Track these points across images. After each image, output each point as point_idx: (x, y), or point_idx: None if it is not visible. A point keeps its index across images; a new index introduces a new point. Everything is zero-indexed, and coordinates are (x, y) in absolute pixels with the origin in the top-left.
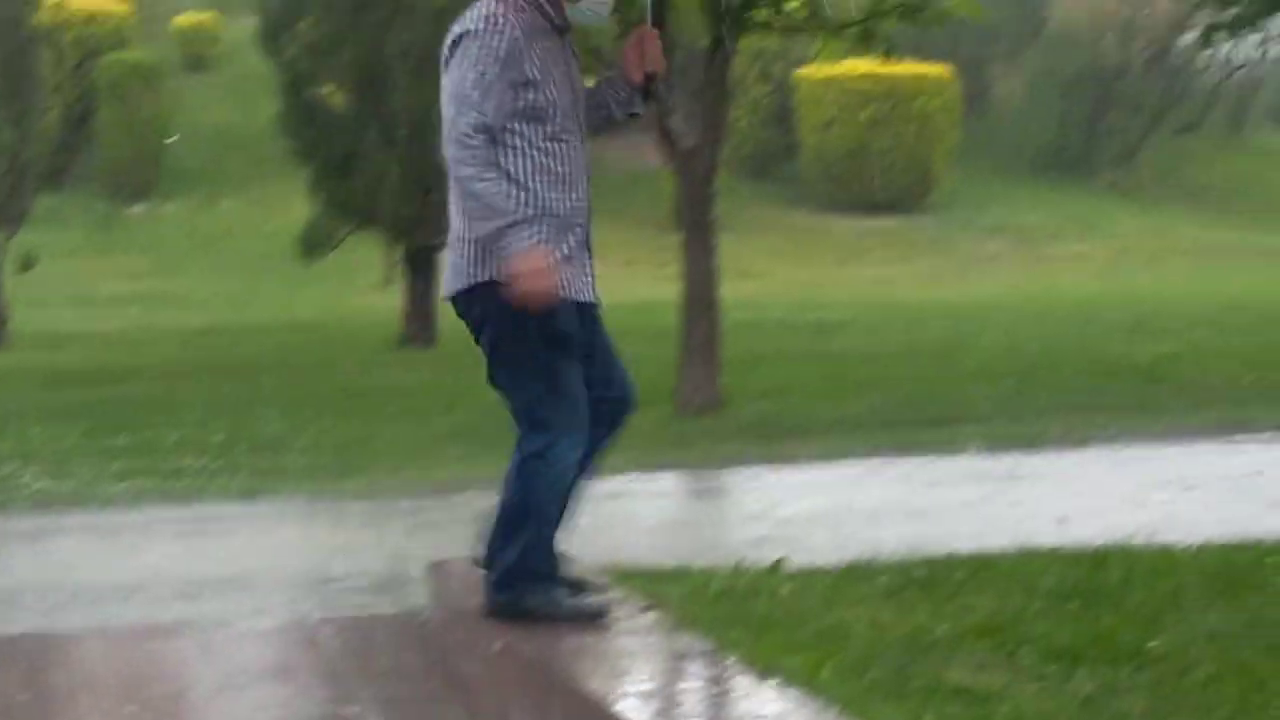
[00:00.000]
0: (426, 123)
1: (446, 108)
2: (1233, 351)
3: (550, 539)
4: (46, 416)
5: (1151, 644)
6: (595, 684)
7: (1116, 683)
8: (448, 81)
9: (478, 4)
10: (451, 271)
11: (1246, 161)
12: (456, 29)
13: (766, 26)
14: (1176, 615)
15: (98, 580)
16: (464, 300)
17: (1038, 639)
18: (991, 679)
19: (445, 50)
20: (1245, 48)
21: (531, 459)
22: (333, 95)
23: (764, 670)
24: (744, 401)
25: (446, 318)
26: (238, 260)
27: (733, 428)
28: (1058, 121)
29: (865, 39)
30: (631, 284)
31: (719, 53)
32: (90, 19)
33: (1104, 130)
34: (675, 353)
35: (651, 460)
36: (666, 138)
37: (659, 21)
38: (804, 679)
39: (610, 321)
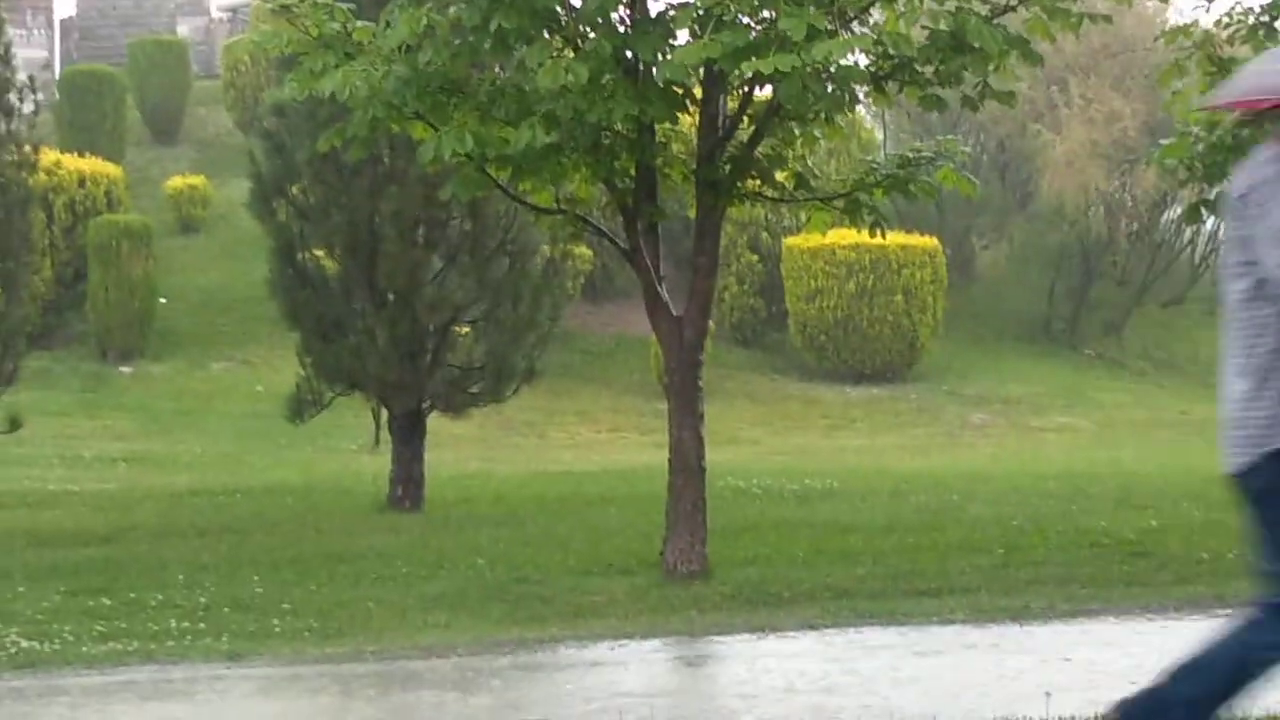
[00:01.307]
0: (414, 287)
1: (1272, 251)
2: (1217, 526)
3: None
4: (30, 576)
5: None
6: None
7: None
8: (1266, 227)
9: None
10: (1243, 441)
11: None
12: (1250, 178)
13: (756, 196)
14: None
15: None
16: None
17: None
18: None
19: (1238, 203)
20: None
21: (1260, 648)
22: (323, 259)
23: None
24: (730, 568)
25: (433, 482)
26: (226, 421)
27: (719, 595)
28: (1044, 293)
29: (853, 210)
30: (618, 449)
31: (708, 221)
32: (83, 180)
33: (1090, 302)
34: (662, 518)
35: (638, 627)
36: (656, 305)
37: None
38: None
39: (597, 486)
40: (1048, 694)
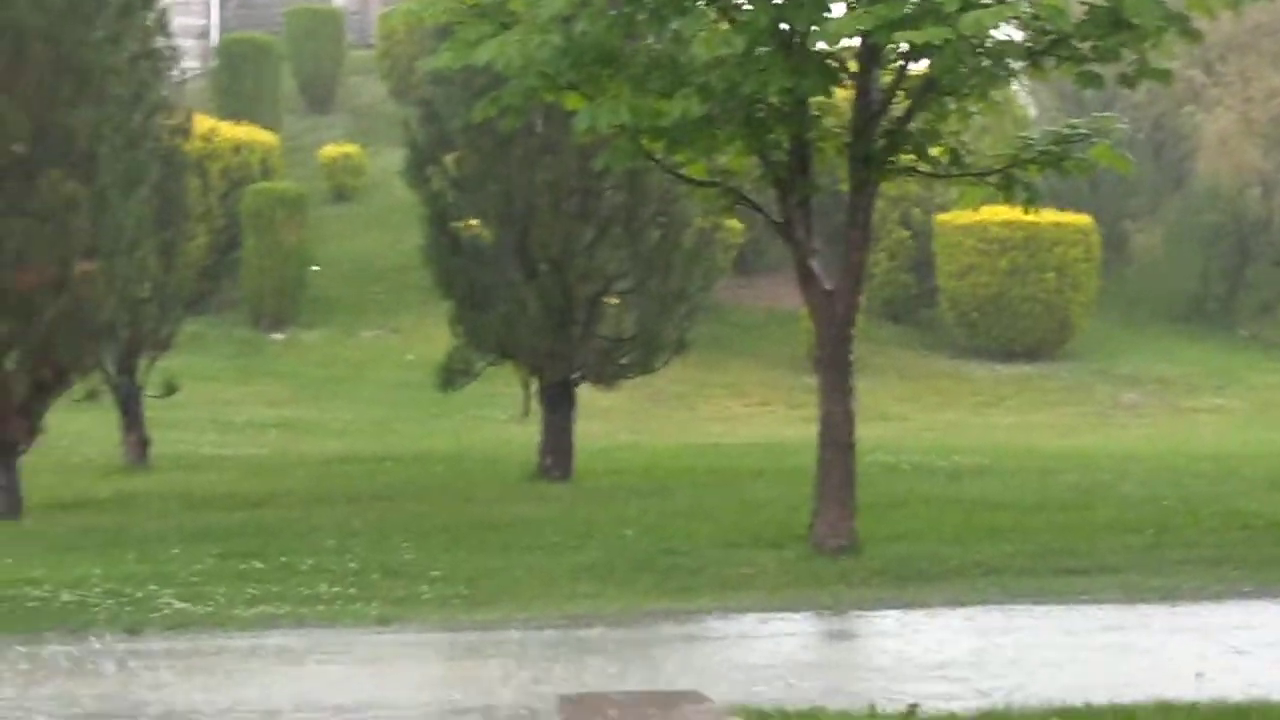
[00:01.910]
0: (566, 257)
1: None
2: None
3: None
4: (185, 539)
5: None
6: None
7: None
8: None
9: None
10: None
11: None
12: None
13: (910, 171)
14: None
15: (234, 702)
16: None
17: None
18: None
19: None
20: None
21: None
22: (476, 228)
23: None
24: (878, 544)
25: (582, 453)
26: (377, 389)
27: (867, 570)
28: (1198, 273)
29: (1006, 186)
30: (767, 423)
31: (861, 196)
32: (238, 149)
33: (1245, 283)
34: (810, 493)
35: (785, 601)
36: (808, 278)
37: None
38: None
39: (746, 460)
40: (1199, 675)
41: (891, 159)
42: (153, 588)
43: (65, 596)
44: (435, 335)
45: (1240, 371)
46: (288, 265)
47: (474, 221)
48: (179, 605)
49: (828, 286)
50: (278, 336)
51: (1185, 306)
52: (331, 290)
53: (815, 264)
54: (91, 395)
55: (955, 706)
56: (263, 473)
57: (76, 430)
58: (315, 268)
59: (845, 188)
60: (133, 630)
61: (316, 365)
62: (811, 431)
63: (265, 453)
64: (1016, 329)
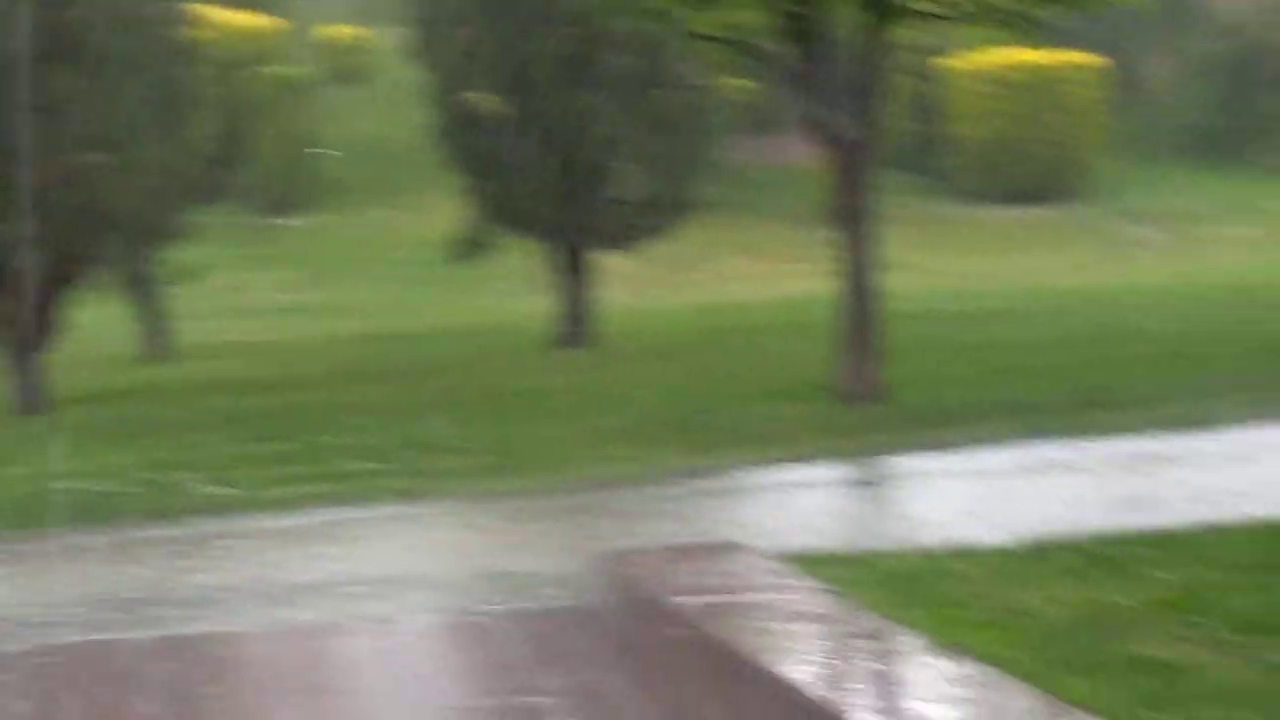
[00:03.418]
0: (575, 124)
1: None
2: None
3: None
4: (210, 425)
5: None
6: (783, 667)
7: None
8: None
9: None
10: None
11: None
12: None
13: (922, 14)
14: None
15: (271, 581)
16: None
17: (1226, 611)
18: (1183, 651)
19: None
20: None
21: None
22: (484, 101)
23: (948, 647)
24: (902, 390)
25: (601, 319)
26: (391, 269)
27: (893, 416)
28: (1210, 106)
29: (1017, 24)
30: (786, 280)
31: (874, 43)
32: (240, 34)
33: (1258, 113)
34: (831, 346)
35: (815, 450)
36: (821, 128)
37: None
38: (989, 655)
39: (765, 317)
40: (1237, 495)
41: (904, 3)
42: (183, 474)
43: (96, 486)
44: (449, 211)
45: (1253, 201)
46: (296, 150)
47: (482, 93)
48: (209, 490)
49: (849, 137)
50: (291, 221)
51: (1198, 139)
52: (342, 172)
53: (829, 114)
54: (109, 287)
55: (991, 539)
56: (284, 357)
57: (96, 323)
58: (323, 151)
59: (858, 37)
60: (164, 516)
61: (330, 248)
62: (831, 287)
63: (284, 337)
64: (1028, 171)
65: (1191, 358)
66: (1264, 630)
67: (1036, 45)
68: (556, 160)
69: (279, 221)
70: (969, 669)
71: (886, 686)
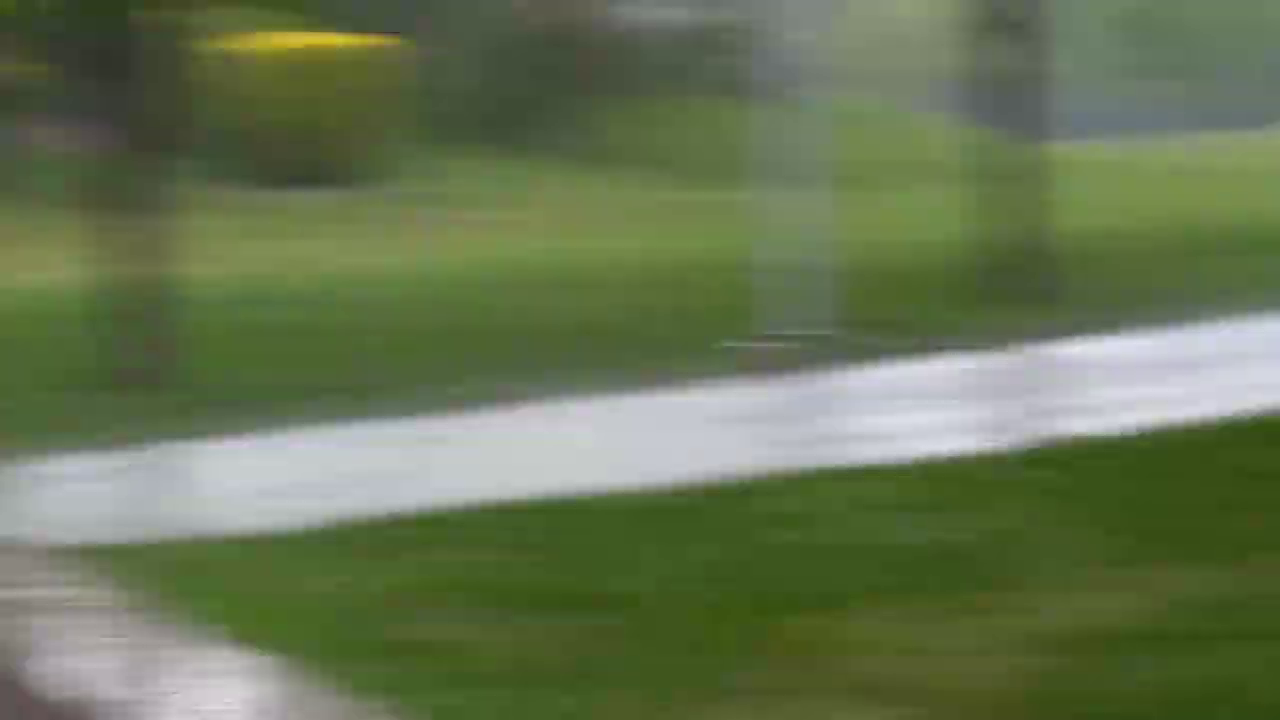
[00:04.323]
0: None
1: None
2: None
3: None
4: None
5: (623, 589)
6: (45, 664)
7: (594, 627)
8: None
9: None
10: None
11: (688, 123)
12: None
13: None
14: (641, 558)
15: None
16: None
17: (505, 590)
18: (464, 631)
19: None
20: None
21: None
22: None
23: (231, 637)
24: (192, 376)
25: None
26: None
27: (181, 402)
28: (494, 90)
29: (301, 7)
30: (45, 266)
31: (158, 26)
32: None
33: (536, 98)
34: (109, 334)
35: (98, 439)
36: (81, 115)
37: None
38: (274, 643)
39: (28, 305)
40: (503, 476)
41: None
42: None
43: None
44: None
45: (532, 184)
46: None
47: None
48: None
49: (107, 123)
50: None
51: (485, 124)
52: None
53: (103, 98)
54: None
55: (271, 525)
56: None
57: None
58: None
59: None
60: None
61: None
62: (106, 273)
63: None
64: (316, 157)
65: (451, 341)
66: (545, 607)
67: (327, 29)
68: None
69: None
70: (248, 659)
71: (155, 680)
